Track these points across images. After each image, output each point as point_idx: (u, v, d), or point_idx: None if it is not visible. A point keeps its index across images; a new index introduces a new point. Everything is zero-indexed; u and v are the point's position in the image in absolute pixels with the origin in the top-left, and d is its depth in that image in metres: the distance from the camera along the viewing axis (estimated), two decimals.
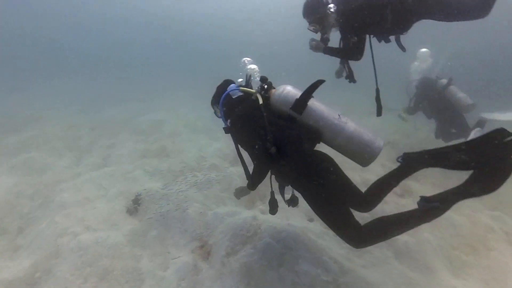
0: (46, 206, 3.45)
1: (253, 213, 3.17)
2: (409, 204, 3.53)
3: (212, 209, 3.41)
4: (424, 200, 1.62)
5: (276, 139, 1.81)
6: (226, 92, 2.21)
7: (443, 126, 5.04)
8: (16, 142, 5.51)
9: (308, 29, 2.70)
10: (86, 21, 31.05)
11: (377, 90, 2.44)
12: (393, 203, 3.56)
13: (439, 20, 2.39)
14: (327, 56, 2.85)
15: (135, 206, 3.45)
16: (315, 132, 1.90)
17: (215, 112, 2.48)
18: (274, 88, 2.08)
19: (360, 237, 1.74)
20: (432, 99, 5.07)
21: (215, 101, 2.36)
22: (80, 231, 2.84)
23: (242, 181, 4.08)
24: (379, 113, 2.51)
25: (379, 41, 2.70)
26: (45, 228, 2.94)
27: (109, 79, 15.37)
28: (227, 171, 4.36)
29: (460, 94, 4.78)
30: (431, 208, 1.57)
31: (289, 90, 1.97)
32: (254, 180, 2.02)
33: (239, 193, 2.25)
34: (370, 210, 1.89)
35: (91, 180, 4.00)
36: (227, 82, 2.36)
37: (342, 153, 1.94)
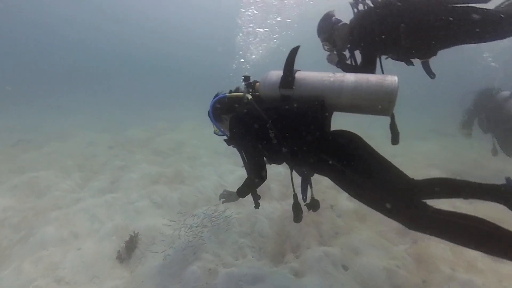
0: (25, 241, 2.79)
1: (283, 277, 2.19)
2: None
3: (227, 264, 2.49)
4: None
5: (277, 123, 1.68)
6: (213, 102, 1.98)
7: (506, 139, 4.55)
8: (30, 159, 5.19)
9: (323, 48, 2.65)
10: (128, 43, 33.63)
11: (392, 116, 1.93)
12: None
13: (470, 43, 2.05)
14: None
15: (128, 250, 2.65)
16: (315, 100, 1.67)
17: (214, 131, 2.19)
18: (258, 82, 1.95)
19: (414, 218, 1.51)
20: (491, 112, 4.62)
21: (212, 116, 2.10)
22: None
23: (270, 223, 3.13)
24: (395, 140, 1.99)
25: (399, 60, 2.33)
26: (5, 277, 2.23)
27: (141, 99, 15.75)
28: (250, 207, 3.45)
29: None
30: None
31: (271, 73, 1.85)
32: (248, 184, 1.94)
33: (227, 197, 2.17)
34: (410, 200, 1.54)
35: (88, 209, 3.33)
36: (216, 95, 2.09)
37: (358, 111, 1.69)
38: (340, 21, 2.45)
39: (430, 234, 1.50)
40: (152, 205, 3.49)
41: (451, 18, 1.92)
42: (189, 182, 4.27)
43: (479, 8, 1.89)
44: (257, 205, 2.10)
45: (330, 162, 1.62)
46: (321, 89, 1.68)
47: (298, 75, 1.76)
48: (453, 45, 2.10)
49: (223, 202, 2.22)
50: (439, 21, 1.95)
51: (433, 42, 2.06)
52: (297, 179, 2.15)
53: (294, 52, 1.79)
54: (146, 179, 4.26)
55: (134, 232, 2.81)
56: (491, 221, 1.33)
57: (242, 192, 2.02)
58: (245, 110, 1.82)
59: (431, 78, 2.33)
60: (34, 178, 4.18)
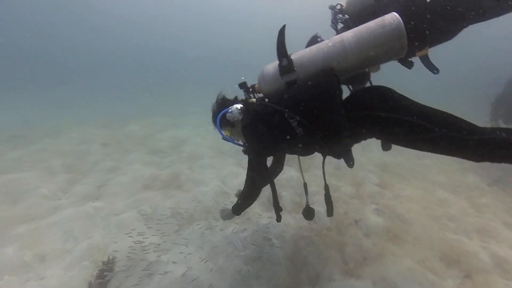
0: None
1: None
2: None
3: None
4: None
5: (295, 109, 1.51)
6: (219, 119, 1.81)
7: None
8: (17, 157, 4.72)
9: None
10: (130, 35, 33.29)
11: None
12: None
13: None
14: None
15: (101, 282, 2.09)
16: (324, 71, 1.53)
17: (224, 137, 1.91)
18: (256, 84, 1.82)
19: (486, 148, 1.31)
20: None
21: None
22: None
23: (282, 244, 2.52)
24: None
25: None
26: None
27: (147, 93, 15.27)
28: (259, 223, 2.84)
29: None
30: None
31: (267, 67, 1.72)
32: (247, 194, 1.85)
33: (225, 217, 2.08)
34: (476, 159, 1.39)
35: (63, 222, 2.80)
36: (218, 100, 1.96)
37: (371, 63, 1.55)
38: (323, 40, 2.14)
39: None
40: (140, 217, 2.92)
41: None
42: (187, 188, 3.69)
43: None
44: (279, 218, 1.89)
45: (381, 114, 1.45)
46: (323, 58, 1.55)
47: (294, 56, 1.63)
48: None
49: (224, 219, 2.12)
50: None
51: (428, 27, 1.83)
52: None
53: (282, 33, 1.61)
54: (137, 184, 3.70)
55: (109, 257, 2.25)
56: None
57: (238, 210, 1.97)
58: (251, 118, 1.65)
59: (434, 73, 2.03)
60: (13, 180, 3.68)
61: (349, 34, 1.53)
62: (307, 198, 2.07)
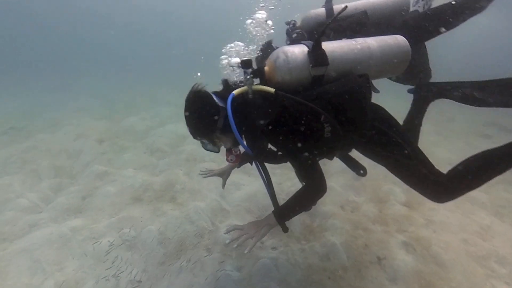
0: None
1: None
2: None
3: None
4: None
5: (330, 112, 1.38)
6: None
7: None
8: (7, 157, 4.41)
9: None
10: (136, 22, 32.27)
11: None
12: None
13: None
14: None
15: None
16: (361, 76, 1.44)
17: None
18: (265, 66, 1.51)
19: (443, 188, 1.51)
20: None
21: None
22: None
23: None
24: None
25: None
26: None
27: (156, 80, 14.76)
28: (260, 257, 2.36)
29: None
30: None
31: (291, 51, 1.42)
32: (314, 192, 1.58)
33: (249, 233, 1.55)
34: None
35: (34, 248, 2.42)
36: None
37: (379, 76, 1.61)
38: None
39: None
40: (121, 243, 2.50)
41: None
42: (181, 200, 3.24)
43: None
44: (285, 230, 1.66)
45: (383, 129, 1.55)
46: (353, 60, 1.46)
47: (324, 47, 1.42)
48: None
49: (237, 246, 1.50)
50: None
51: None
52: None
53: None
54: (126, 195, 3.28)
55: None
56: None
57: (303, 205, 1.66)
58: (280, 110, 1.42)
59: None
60: None
61: (374, 43, 1.50)
62: None
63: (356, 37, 1.54)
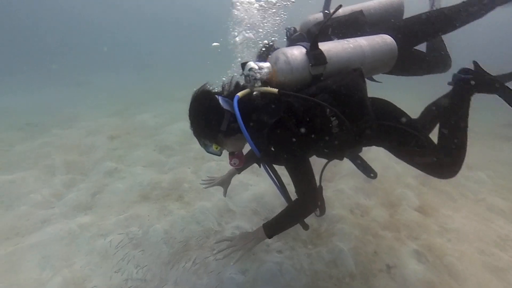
0: None
1: None
2: None
3: None
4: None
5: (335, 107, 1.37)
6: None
7: None
8: (22, 152, 4.56)
9: None
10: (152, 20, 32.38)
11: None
12: None
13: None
14: None
15: None
16: (355, 70, 1.48)
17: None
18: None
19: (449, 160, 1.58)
20: None
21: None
22: None
23: None
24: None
25: None
26: None
27: (175, 76, 14.87)
28: (265, 261, 2.32)
29: None
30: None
31: (290, 52, 1.47)
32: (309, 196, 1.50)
33: (235, 248, 1.54)
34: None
35: (44, 244, 2.49)
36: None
37: (370, 74, 1.74)
38: None
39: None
40: (128, 242, 2.53)
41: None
42: (188, 199, 3.25)
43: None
44: (306, 227, 1.68)
45: (388, 124, 1.58)
46: (348, 58, 1.52)
47: (320, 47, 1.47)
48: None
49: (223, 258, 1.53)
50: None
51: None
52: None
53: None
54: (134, 193, 3.32)
55: None
56: None
57: (292, 221, 1.59)
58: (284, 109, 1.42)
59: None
60: (6, 183, 3.47)
61: (364, 42, 1.57)
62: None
63: (351, 37, 1.63)
